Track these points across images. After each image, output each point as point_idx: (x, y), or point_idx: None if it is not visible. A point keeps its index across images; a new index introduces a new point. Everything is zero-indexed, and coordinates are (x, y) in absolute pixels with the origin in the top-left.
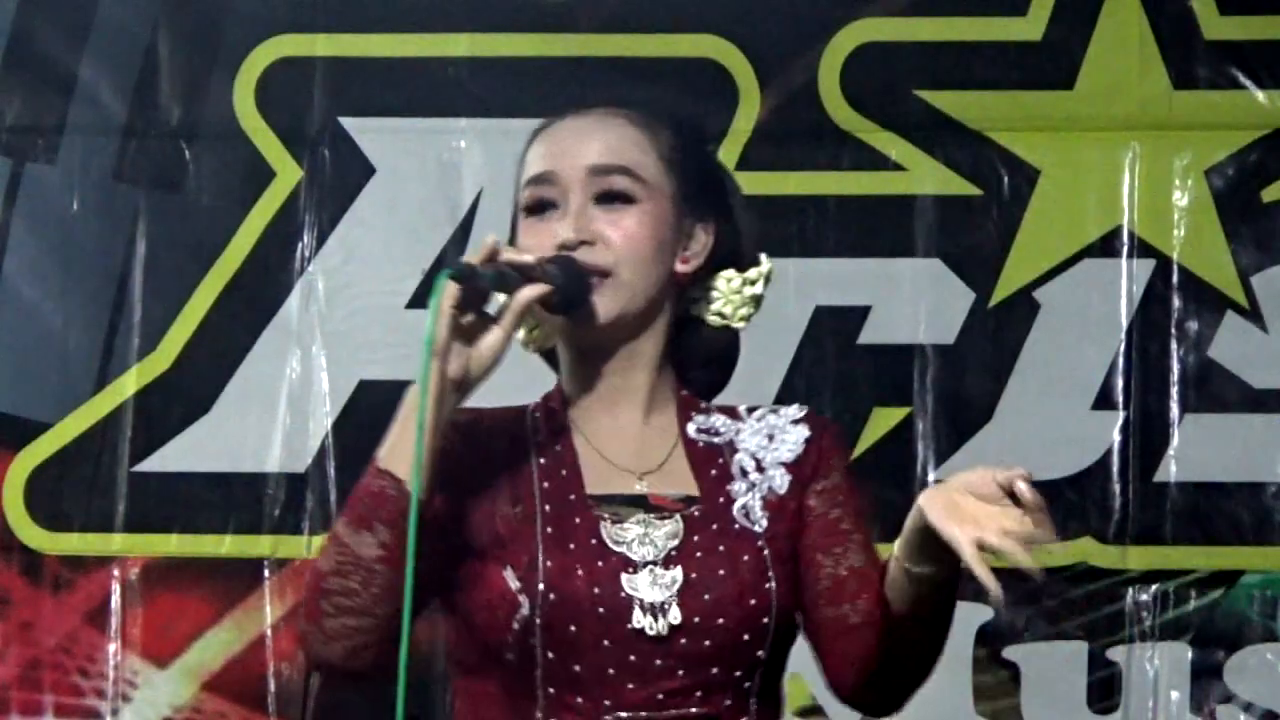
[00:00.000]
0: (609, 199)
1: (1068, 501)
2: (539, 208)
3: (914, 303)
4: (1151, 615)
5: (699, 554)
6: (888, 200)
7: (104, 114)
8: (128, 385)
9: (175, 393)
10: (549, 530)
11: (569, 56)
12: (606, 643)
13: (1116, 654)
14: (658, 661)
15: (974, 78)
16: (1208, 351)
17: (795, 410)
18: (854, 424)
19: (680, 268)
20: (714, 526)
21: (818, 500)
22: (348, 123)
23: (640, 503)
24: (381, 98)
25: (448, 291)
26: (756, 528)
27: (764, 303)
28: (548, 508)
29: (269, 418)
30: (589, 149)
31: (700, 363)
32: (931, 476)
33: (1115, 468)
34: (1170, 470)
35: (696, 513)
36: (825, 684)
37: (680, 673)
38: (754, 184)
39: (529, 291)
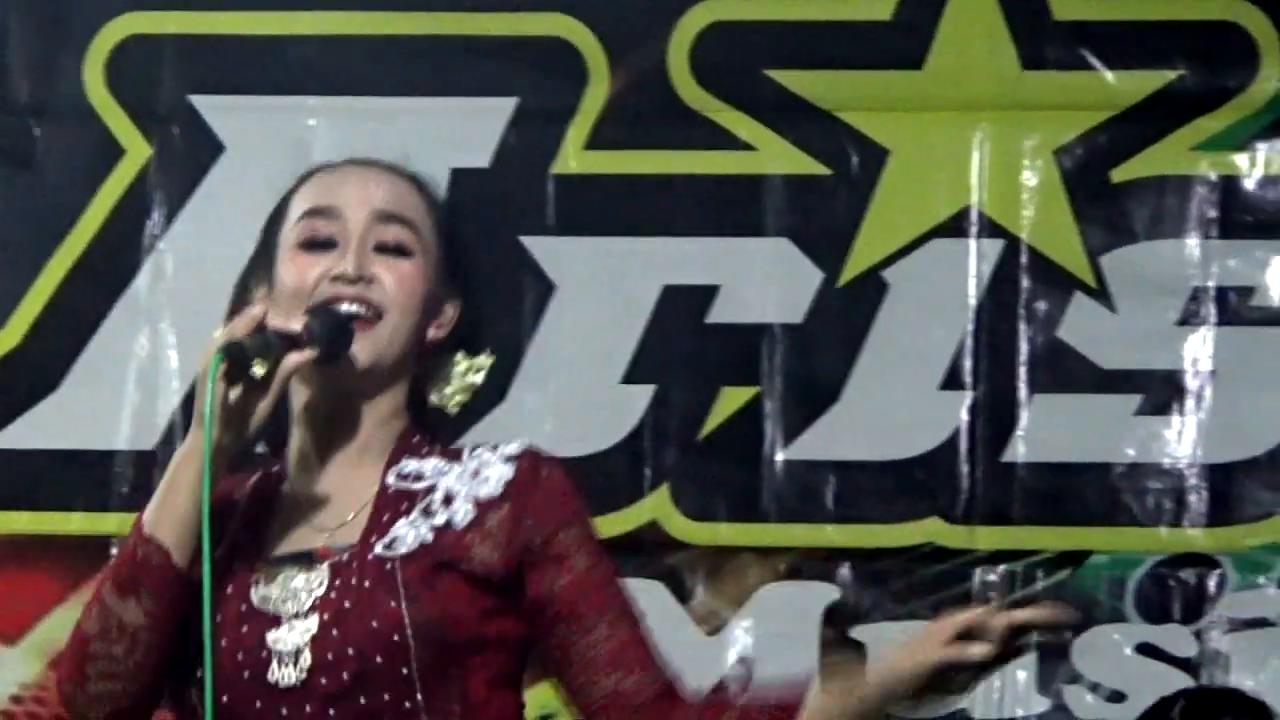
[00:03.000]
0: (386, 249)
1: (915, 482)
2: (315, 243)
3: (763, 282)
4: (999, 596)
5: (334, 595)
6: (737, 180)
7: None
8: None
9: (23, 369)
10: (223, 589)
11: (420, 35)
12: (258, 704)
13: None
14: (307, 708)
15: (824, 57)
16: (1056, 332)
17: (515, 447)
18: (702, 404)
19: (432, 333)
20: (354, 564)
21: (571, 555)
22: (198, 101)
23: (305, 558)
24: (232, 76)
25: (216, 368)
26: (393, 552)
27: (612, 283)
28: (227, 566)
29: (117, 395)
30: (376, 194)
31: None
32: (779, 456)
33: (963, 448)
34: (1018, 450)
35: (345, 558)
36: None
37: (331, 711)
38: (603, 163)
39: (294, 359)
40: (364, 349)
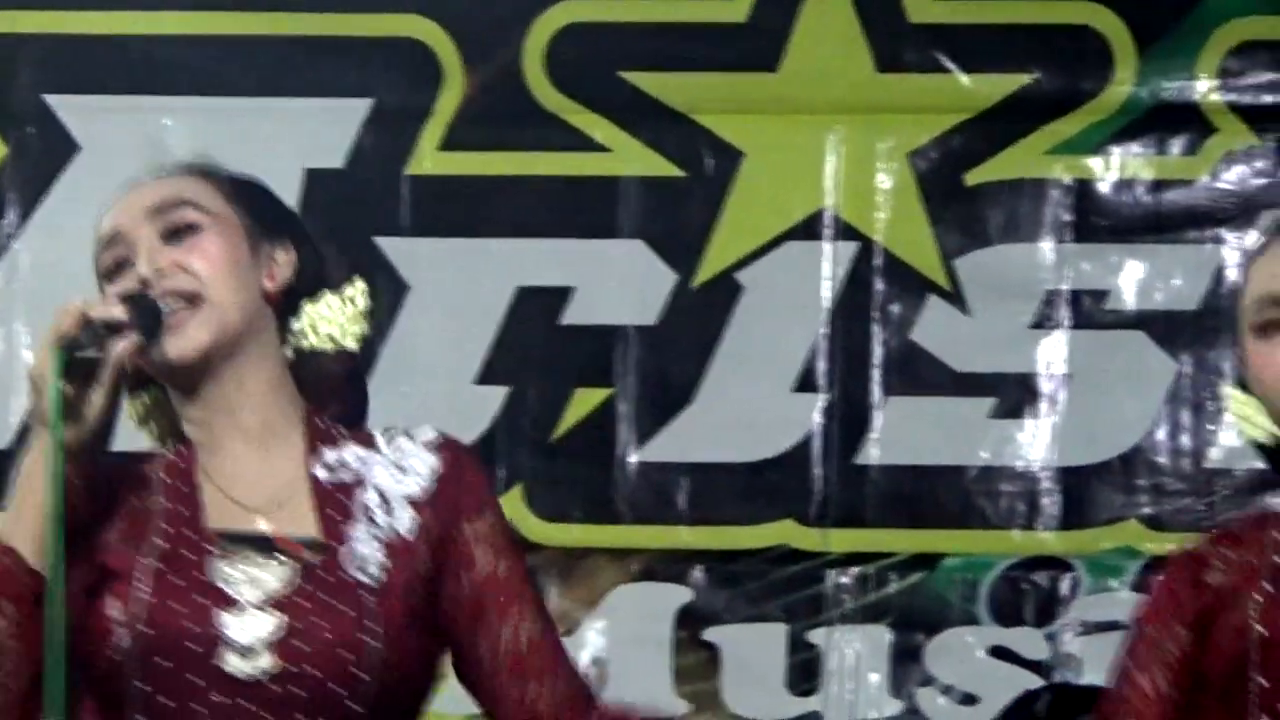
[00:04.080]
0: (176, 234)
1: (769, 484)
2: (118, 269)
3: (617, 284)
4: (852, 598)
5: (304, 601)
6: (591, 181)
7: None
8: None
9: None
10: (159, 566)
11: (275, 35)
12: (197, 679)
13: (817, 636)
14: (246, 705)
15: (678, 59)
16: (910, 334)
17: (428, 432)
18: (555, 405)
19: (268, 285)
20: (324, 575)
21: (484, 551)
22: (53, 100)
23: (264, 543)
24: (87, 75)
25: (48, 366)
26: (367, 579)
27: (466, 284)
28: (164, 544)
29: None
30: (144, 199)
31: (327, 394)
32: (633, 458)
33: (817, 450)
34: (872, 453)
35: (314, 559)
36: None
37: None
38: (458, 164)
39: (122, 346)
40: (195, 331)
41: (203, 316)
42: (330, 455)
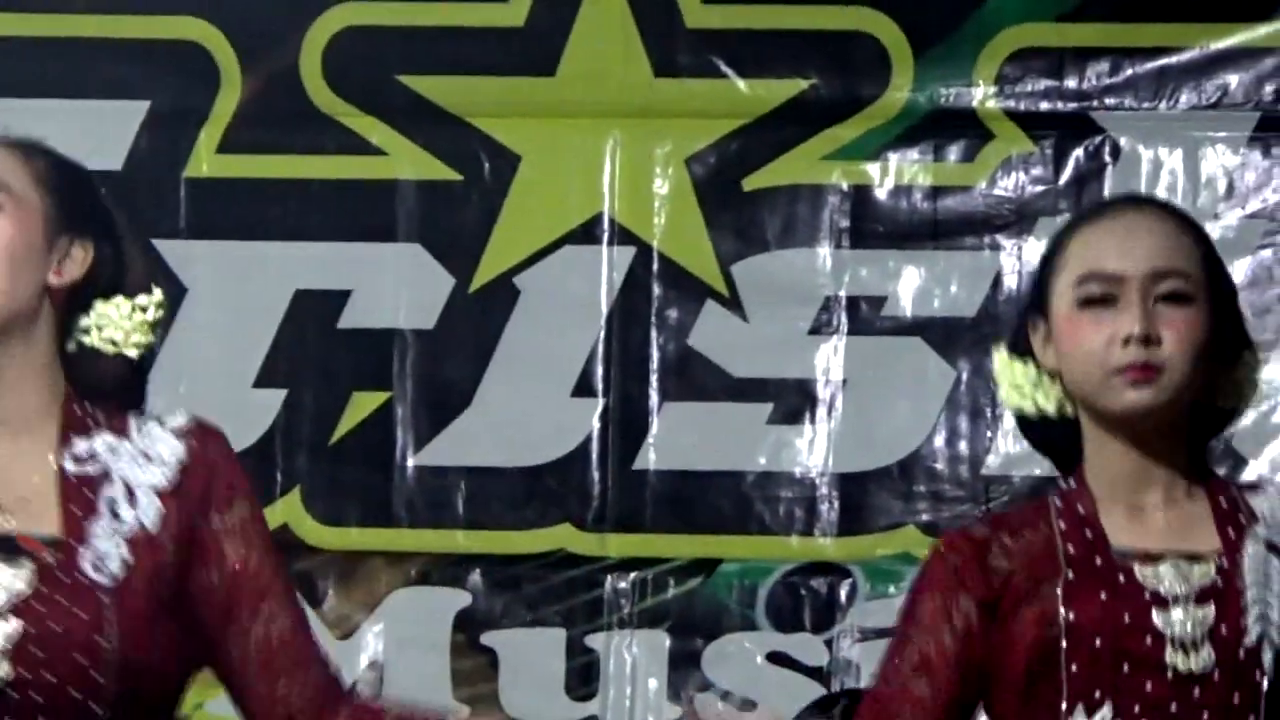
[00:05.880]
0: None
1: (546, 488)
2: None
3: (394, 287)
4: (630, 603)
5: (39, 605)
6: (369, 184)
7: None
8: None
9: None
10: None
11: (53, 36)
12: None
13: (595, 641)
14: None
15: (456, 63)
16: (687, 340)
17: (179, 418)
18: (333, 408)
19: (54, 279)
20: (62, 576)
21: (234, 544)
22: None
23: (7, 543)
24: None
25: None
26: (105, 578)
27: (244, 286)
28: None
29: None
30: None
31: (100, 394)
32: (410, 461)
33: (595, 454)
34: (650, 458)
35: (52, 559)
36: None
37: None
38: (236, 167)
39: None
40: None
41: None
42: (81, 446)
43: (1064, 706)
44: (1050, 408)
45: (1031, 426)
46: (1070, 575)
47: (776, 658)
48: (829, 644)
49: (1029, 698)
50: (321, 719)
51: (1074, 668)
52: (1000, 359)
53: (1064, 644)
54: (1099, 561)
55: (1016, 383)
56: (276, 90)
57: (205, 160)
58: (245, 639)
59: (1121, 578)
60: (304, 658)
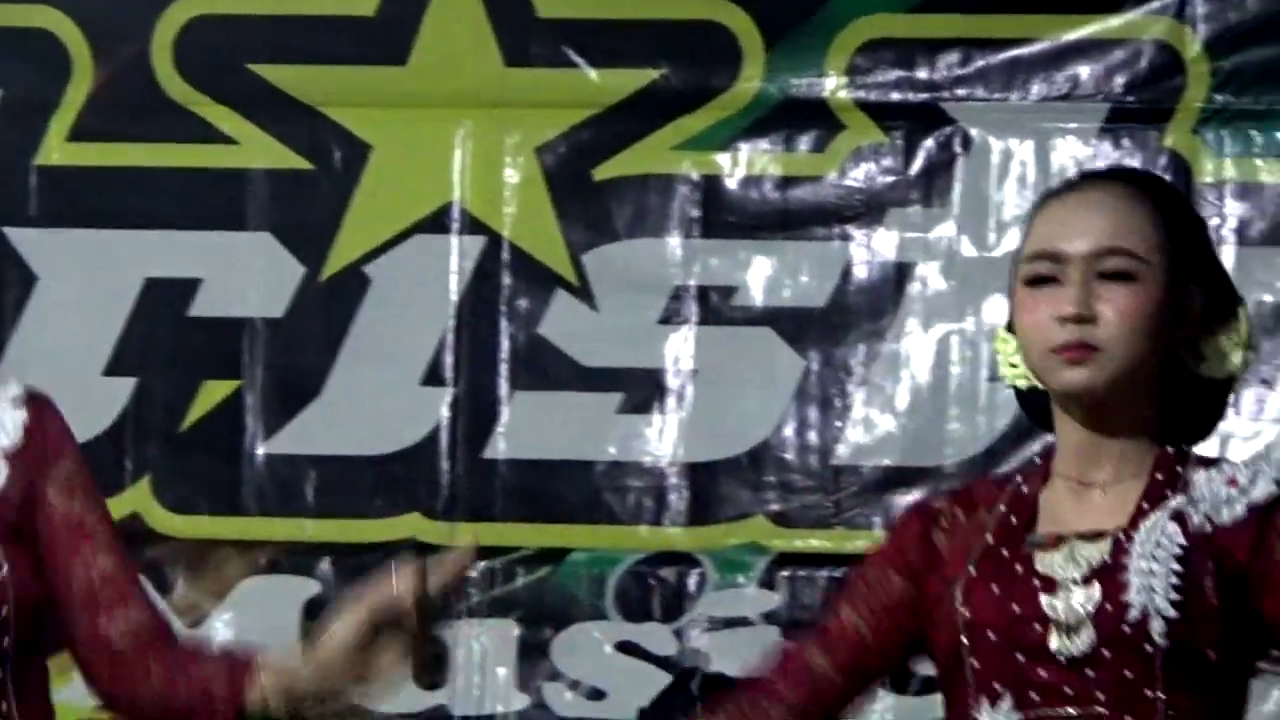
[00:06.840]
0: None
1: (396, 477)
2: None
3: (244, 276)
4: (479, 592)
5: None
6: (219, 173)
7: None
8: None
9: None
10: None
11: None
12: None
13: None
14: None
15: (307, 52)
16: (538, 329)
17: (14, 388)
18: (183, 396)
19: None
20: None
21: (57, 493)
22: None
23: None
24: None
25: None
26: None
27: (94, 275)
28: None
29: None
30: None
31: None
32: (260, 450)
33: (444, 444)
34: (499, 447)
35: None
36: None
37: None
38: (86, 155)
39: None
40: None
41: None
42: None
43: (970, 701)
44: (1036, 382)
45: (1026, 400)
46: (972, 572)
47: (625, 647)
48: (678, 633)
49: (950, 688)
50: (143, 654)
51: (975, 663)
52: (997, 334)
53: (964, 641)
54: (1005, 553)
55: (1008, 358)
56: (128, 79)
57: (56, 149)
58: (68, 579)
59: (1019, 567)
60: (124, 595)
